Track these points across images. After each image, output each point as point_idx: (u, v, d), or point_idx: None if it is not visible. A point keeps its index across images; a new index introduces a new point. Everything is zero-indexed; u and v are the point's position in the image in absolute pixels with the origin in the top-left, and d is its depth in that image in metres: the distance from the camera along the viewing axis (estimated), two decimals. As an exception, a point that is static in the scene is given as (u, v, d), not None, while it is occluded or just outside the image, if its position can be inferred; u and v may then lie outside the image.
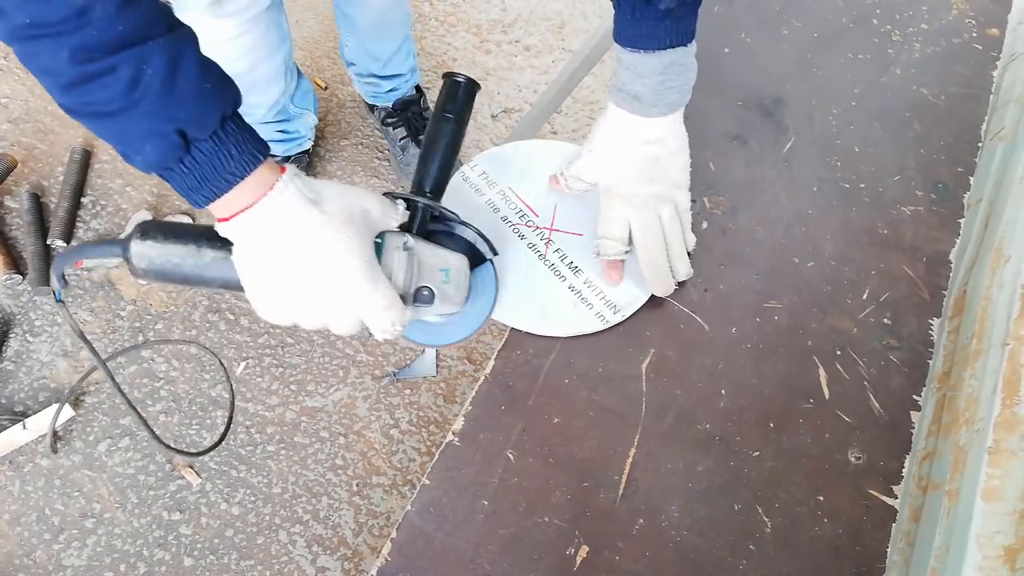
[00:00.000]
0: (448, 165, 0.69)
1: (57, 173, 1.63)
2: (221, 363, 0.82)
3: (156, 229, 0.56)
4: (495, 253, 0.69)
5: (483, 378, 0.70)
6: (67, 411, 1.36)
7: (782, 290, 0.75)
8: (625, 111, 0.69)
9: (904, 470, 0.67)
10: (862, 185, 0.82)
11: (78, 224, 1.57)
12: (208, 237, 0.57)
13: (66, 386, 1.41)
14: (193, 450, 1.36)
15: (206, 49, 0.57)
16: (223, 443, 1.36)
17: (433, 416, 1.45)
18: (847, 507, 0.65)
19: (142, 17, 0.46)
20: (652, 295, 0.73)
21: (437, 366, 1.50)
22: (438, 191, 0.68)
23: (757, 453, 0.67)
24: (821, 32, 0.94)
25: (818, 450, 0.67)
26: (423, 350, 1.50)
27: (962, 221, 0.80)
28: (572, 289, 0.73)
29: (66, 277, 0.58)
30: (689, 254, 0.74)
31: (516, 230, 0.76)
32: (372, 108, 1.70)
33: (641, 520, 0.64)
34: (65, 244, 1.53)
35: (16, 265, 1.50)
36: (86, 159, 1.64)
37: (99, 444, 1.37)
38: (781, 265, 0.77)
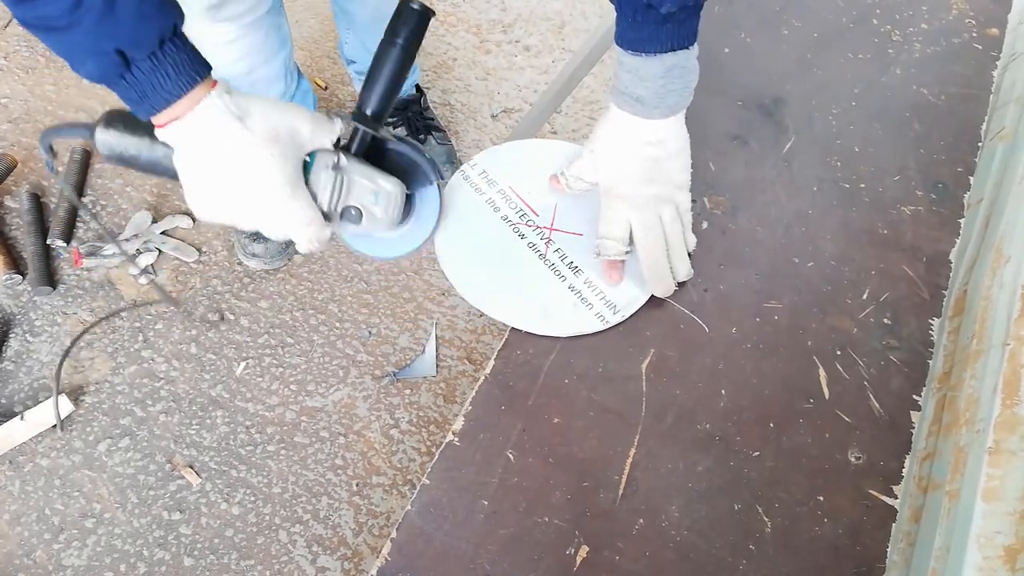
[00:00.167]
0: (392, 91, 0.69)
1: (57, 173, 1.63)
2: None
3: (119, 120, 0.62)
4: (441, 178, 0.72)
5: (483, 378, 0.70)
6: (67, 405, 1.36)
7: (782, 290, 0.75)
8: (627, 113, 0.69)
9: (904, 470, 0.67)
10: (862, 185, 0.82)
11: (78, 224, 1.57)
12: None
13: (66, 386, 1.41)
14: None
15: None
16: (224, 443, 1.36)
17: (433, 416, 1.45)
18: (847, 507, 0.65)
19: None
20: (652, 295, 0.73)
21: (437, 366, 1.50)
22: (380, 116, 0.69)
23: (757, 453, 0.67)
24: (821, 32, 0.94)
25: (818, 450, 0.67)
26: (423, 350, 1.50)
27: (962, 221, 0.80)
28: (572, 289, 0.73)
29: (54, 146, 0.66)
30: (689, 254, 0.74)
31: (516, 229, 0.76)
32: (372, 107, 1.70)
33: (641, 520, 0.64)
34: (65, 244, 1.53)
35: (16, 265, 1.50)
36: (86, 159, 1.64)
37: (99, 444, 1.37)
38: (781, 265, 0.77)
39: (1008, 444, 0.58)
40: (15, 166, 1.60)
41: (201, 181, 0.60)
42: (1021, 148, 0.80)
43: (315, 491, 1.37)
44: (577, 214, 0.77)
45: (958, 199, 0.81)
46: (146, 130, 0.61)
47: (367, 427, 1.43)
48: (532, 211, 0.77)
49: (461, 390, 1.48)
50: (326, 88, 1.82)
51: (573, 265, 0.74)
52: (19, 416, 1.33)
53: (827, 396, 0.70)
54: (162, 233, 1.57)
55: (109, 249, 1.53)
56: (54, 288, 1.49)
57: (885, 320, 0.74)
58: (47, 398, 1.37)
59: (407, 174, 0.70)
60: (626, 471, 0.66)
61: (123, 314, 1.49)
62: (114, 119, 0.62)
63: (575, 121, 1.83)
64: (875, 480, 0.66)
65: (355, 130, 0.67)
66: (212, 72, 0.58)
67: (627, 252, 0.72)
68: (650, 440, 0.67)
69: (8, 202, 1.59)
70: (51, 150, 0.65)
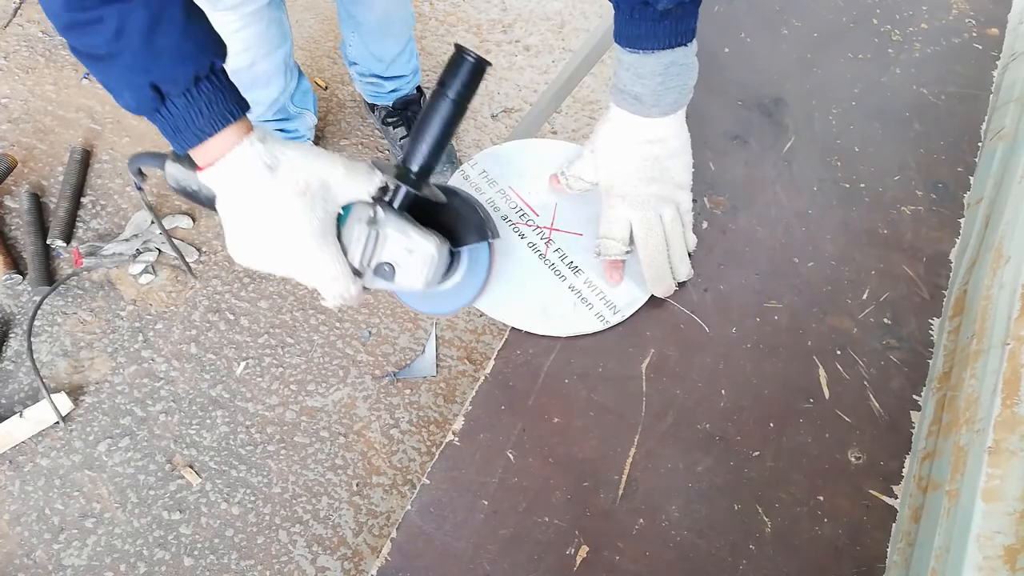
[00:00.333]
0: (440, 147, 0.65)
1: (57, 173, 1.64)
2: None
3: (187, 155, 0.62)
4: (496, 235, 0.68)
5: (483, 378, 0.70)
6: (66, 403, 1.36)
7: (782, 290, 0.75)
8: (626, 111, 0.69)
9: (904, 470, 0.67)
10: (862, 185, 0.82)
11: (78, 224, 1.57)
12: None
13: (66, 386, 1.41)
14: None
15: None
16: (224, 443, 1.36)
17: (433, 416, 1.45)
18: (847, 507, 0.65)
19: None
20: (652, 295, 0.73)
21: (437, 366, 1.50)
22: (426, 171, 0.65)
23: (757, 453, 0.67)
24: (821, 32, 0.94)
25: (818, 450, 0.67)
26: (423, 350, 1.50)
27: (962, 221, 0.80)
28: (572, 289, 0.73)
29: (142, 171, 0.68)
30: (689, 254, 0.74)
31: (516, 229, 0.76)
32: (372, 107, 1.70)
33: (641, 520, 0.64)
34: (65, 244, 1.53)
35: (16, 265, 1.50)
36: (86, 159, 1.64)
37: (99, 444, 1.37)
38: (781, 265, 0.77)
39: (1008, 444, 0.58)
40: (15, 166, 1.60)
41: (236, 228, 0.60)
42: (1021, 148, 0.80)
43: (315, 491, 1.37)
44: (577, 214, 0.77)
45: (958, 199, 0.81)
46: None
47: (367, 427, 1.43)
48: (532, 211, 0.77)
49: (461, 390, 1.48)
50: (326, 88, 1.82)
51: (573, 265, 0.74)
52: (18, 414, 1.33)
53: (827, 396, 0.70)
54: (162, 233, 1.57)
55: (109, 249, 1.53)
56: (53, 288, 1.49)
57: (885, 320, 0.74)
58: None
59: (460, 228, 0.67)
60: (626, 471, 0.66)
61: (123, 314, 1.49)
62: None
63: (575, 121, 1.83)
64: (875, 480, 0.66)
65: (396, 187, 0.64)
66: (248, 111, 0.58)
67: (627, 252, 0.72)
68: (650, 440, 0.67)
69: (8, 202, 1.59)
70: (140, 173, 0.67)
